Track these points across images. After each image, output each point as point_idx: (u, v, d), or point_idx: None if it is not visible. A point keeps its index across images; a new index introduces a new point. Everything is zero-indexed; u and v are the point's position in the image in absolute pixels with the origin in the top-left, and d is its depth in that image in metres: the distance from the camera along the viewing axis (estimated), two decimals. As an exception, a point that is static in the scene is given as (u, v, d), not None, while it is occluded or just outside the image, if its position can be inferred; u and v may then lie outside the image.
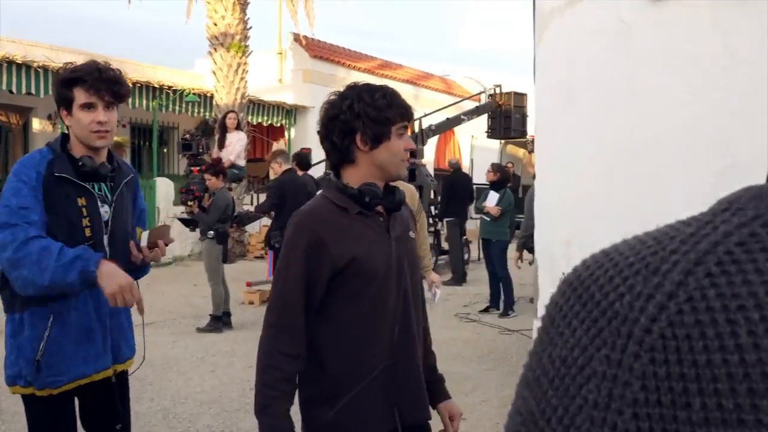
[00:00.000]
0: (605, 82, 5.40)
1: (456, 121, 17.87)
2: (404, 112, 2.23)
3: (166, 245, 2.96)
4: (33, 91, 13.55)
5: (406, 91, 23.59)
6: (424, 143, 15.22)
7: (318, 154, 18.13)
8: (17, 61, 13.15)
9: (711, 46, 4.64)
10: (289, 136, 19.75)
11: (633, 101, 5.20)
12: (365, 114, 2.16)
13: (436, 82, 26.03)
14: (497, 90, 18.67)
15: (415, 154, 14.85)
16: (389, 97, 2.21)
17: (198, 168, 10.30)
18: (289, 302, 2.16)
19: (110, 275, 2.49)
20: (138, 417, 5.54)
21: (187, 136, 11.61)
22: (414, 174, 14.35)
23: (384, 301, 2.22)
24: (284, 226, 7.93)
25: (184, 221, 10.80)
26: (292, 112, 19.54)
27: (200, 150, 10.50)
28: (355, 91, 2.22)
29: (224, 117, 13.22)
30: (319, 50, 20.66)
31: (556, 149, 5.96)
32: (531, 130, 18.34)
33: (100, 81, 2.67)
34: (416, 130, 14.88)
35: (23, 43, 15.82)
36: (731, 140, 4.49)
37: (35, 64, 13.42)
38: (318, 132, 2.33)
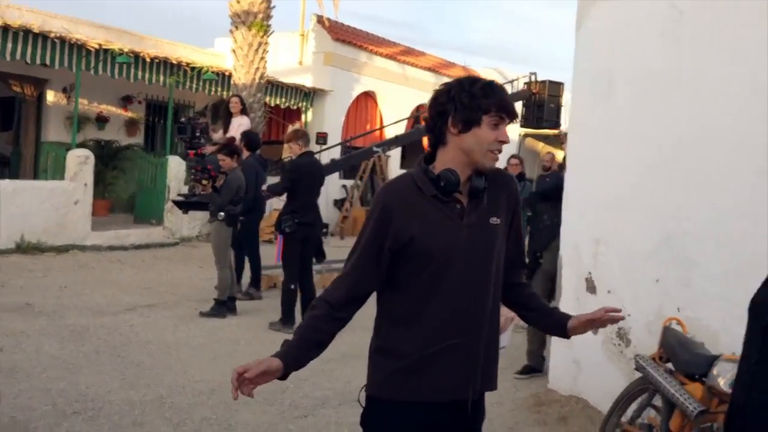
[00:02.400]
0: (651, 72, 4.99)
1: (485, 109, 17.39)
2: (501, 105, 2.28)
3: None
4: (48, 62, 13.25)
5: (427, 79, 23.39)
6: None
7: (334, 137, 17.99)
8: (34, 31, 12.80)
9: (772, 35, 4.24)
10: (306, 119, 19.40)
11: (681, 94, 4.80)
12: (459, 98, 2.27)
13: (458, 72, 25.52)
14: (532, 78, 18.05)
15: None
16: (489, 88, 2.29)
17: (194, 151, 10.00)
18: (354, 265, 2.33)
19: None
20: (132, 405, 5.24)
21: (183, 119, 11.31)
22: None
23: (447, 283, 2.29)
24: (296, 210, 7.71)
25: (177, 204, 10.43)
26: (310, 94, 19.17)
27: (197, 133, 10.18)
28: (460, 79, 2.35)
29: (228, 101, 12.83)
30: (341, 33, 20.24)
31: (591, 143, 5.57)
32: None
33: None
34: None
35: (42, 14, 15.51)
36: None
37: (52, 35, 13.06)
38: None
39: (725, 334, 4.39)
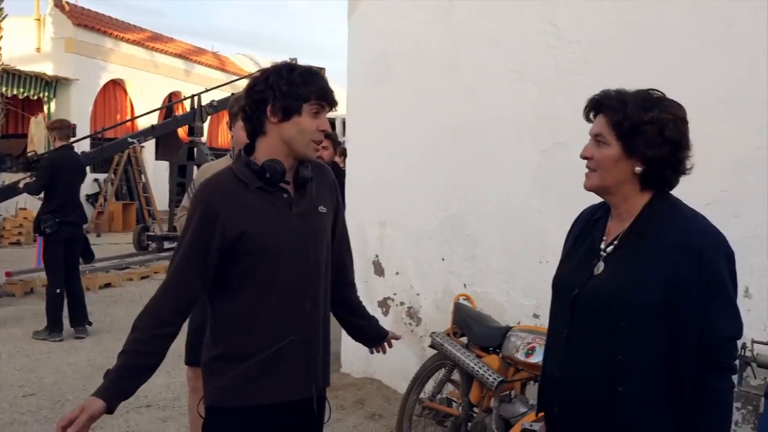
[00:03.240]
0: (428, 57, 5.14)
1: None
2: (321, 93, 2.21)
3: None
4: None
5: (178, 66, 22.63)
6: (203, 120, 14.39)
7: (82, 129, 16.86)
8: None
9: (538, 24, 4.52)
10: (49, 110, 18.02)
11: (455, 78, 5.00)
12: (277, 86, 2.18)
13: (209, 58, 25.06)
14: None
15: (194, 132, 14.04)
16: (308, 75, 2.22)
17: None
18: (179, 272, 2.18)
19: None
20: None
21: None
22: (193, 152, 13.58)
23: (283, 276, 2.21)
24: (56, 209, 7.12)
25: None
26: (52, 83, 17.85)
27: None
28: (277, 66, 2.26)
29: None
30: (83, 18, 19.00)
31: (370, 126, 5.65)
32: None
33: None
34: (195, 106, 14.05)
35: None
36: (556, 119, 4.41)
37: None
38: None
39: (509, 306, 4.67)
